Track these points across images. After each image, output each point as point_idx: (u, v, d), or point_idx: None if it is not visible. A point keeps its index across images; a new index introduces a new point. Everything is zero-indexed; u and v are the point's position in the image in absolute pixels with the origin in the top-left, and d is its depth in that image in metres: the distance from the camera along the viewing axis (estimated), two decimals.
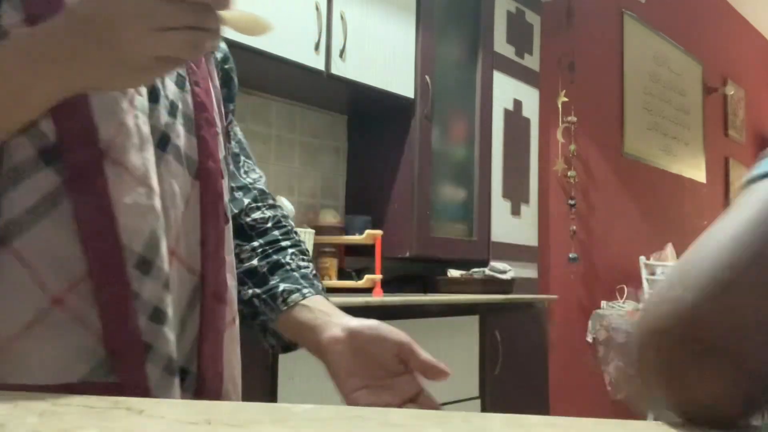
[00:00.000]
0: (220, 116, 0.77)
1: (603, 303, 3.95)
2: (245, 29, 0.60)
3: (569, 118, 3.79)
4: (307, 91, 2.60)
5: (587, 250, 3.99)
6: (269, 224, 0.88)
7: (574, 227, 3.85)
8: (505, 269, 2.85)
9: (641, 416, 3.50)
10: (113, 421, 0.42)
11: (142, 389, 0.62)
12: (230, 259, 0.76)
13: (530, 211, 3.36)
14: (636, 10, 4.55)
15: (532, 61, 3.40)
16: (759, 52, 6.53)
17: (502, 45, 3.18)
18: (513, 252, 3.20)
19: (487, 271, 2.81)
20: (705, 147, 5.43)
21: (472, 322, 2.52)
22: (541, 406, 2.92)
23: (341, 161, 2.89)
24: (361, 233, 2.55)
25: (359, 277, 2.53)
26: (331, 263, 2.58)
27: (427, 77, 2.69)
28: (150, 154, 0.65)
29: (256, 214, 0.88)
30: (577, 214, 3.88)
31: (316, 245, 2.45)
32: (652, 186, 4.70)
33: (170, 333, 0.65)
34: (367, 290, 2.47)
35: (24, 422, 0.40)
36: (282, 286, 0.81)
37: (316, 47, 2.29)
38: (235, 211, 0.86)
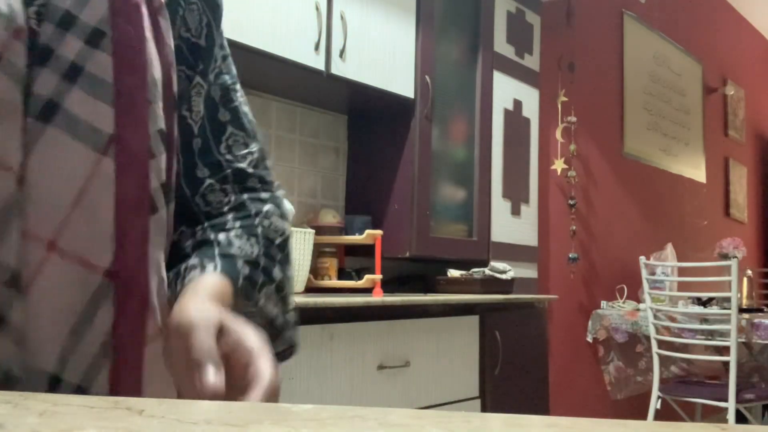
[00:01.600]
0: (168, 81, 0.65)
1: (603, 303, 3.95)
2: None
3: (569, 118, 3.79)
4: (307, 91, 2.60)
5: (587, 250, 4.00)
6: (226, 208, 0.71)
7: (574, 227, 3.85)
8: (505, 269, 2.85)
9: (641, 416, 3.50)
10: (113, 421, 0.42)
11: None
12: (156, 256, 0.63)
13: (530, 211, 3.37)
14: (636, 10, 4.55)
15: (532, 61, 3.40)
16: (759, 52, 6.53)
17: (502, 45, 3.18)
18: (513, 252, 3.20)
19: (487, 271, 2.81)
20: (705, 147, 5.43)
21: (472, 322, 2.52)
22: (541, 406, 2.92)
23: (341, 161, 2.89)
24: (361, 233, 2.55)
25: (359, 277, 2.53)
26: (331, 263, 2.58)
27: (427, 77, 2.69)
28: (9, 124, 0.54)
29: (213, 197, 0.72)
30: (577, 214, 3.88)
31: (316, 245, 2.45)
32: (652, 186, 4.70)
33: (6, 341, 0.54)
34: (367, 290, 2.47)
35: (24, 422, 0.40)
36: (190, 262, 0.67)
37: (316, 47, 2.29)
38: (188, 193, 0.71)
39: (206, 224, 0.71)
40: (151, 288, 0.61)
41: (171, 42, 0.67)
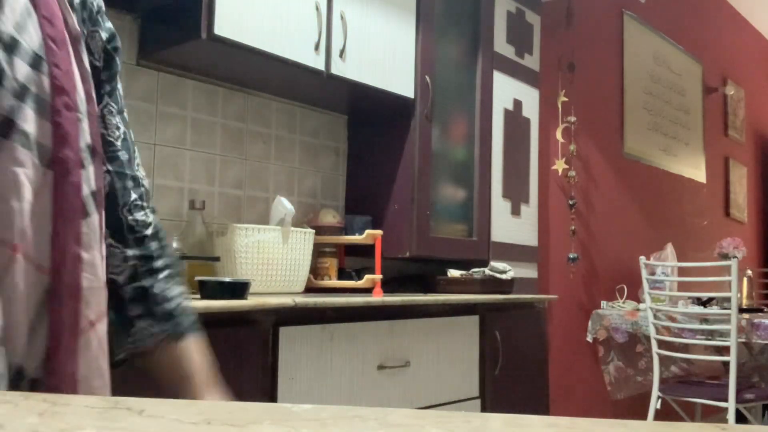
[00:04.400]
0: (90, 101, 0.73)
1: (603, 303, 3.95)
2: None
3: (569, 118, 3.79)
4: (307, 91, 2.60)
5: (587, 250, 3.99)
6: (149, 231, 0.84)
7: (574, 227, 3.85)
8: (505, 269, 2.85)
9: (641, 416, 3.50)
10: (113, 421, 0.42)
11: None
12: (89, 256, 0.70)
13: (530, 211, 3.36)
14: (636, 10, 4.55)
15: (532, 61, 3.40)
16: (759, 52, 6.53)
17: (502, 45, 3.18)
18: (513, 252, 3.20)
19: (487, 271, 2.81)
20: (705, 147, 5.43)
21: (472, 322, 2.52)
22: (541, 406, 2.92)
23: (341, 161, 2.89)
24: (361, 233, 2.55)
25: (359, 277, 2.53)
26: (331, 263, 2.58)
27: (427, 77, 2.69)
28: None
29: (139, 215, 0.84)
30: (577, 214, 3.88)
31: (316, 245, 2.45)
32: (652, 186, 4.70)
33: None
34: (367, 290, 2.47)
35: (24, 422, 0.40)
36: (138, 324, 0.80)
37: (316, 47, 2.29)
38: (119, 202, 0.82)
39: (136, 252, 0.82)
40: (82, 286, 0.68)
41: (87, 65, 0.76)
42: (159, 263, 0.84)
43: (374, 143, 2.80)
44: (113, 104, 0.83)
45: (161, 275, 0.83)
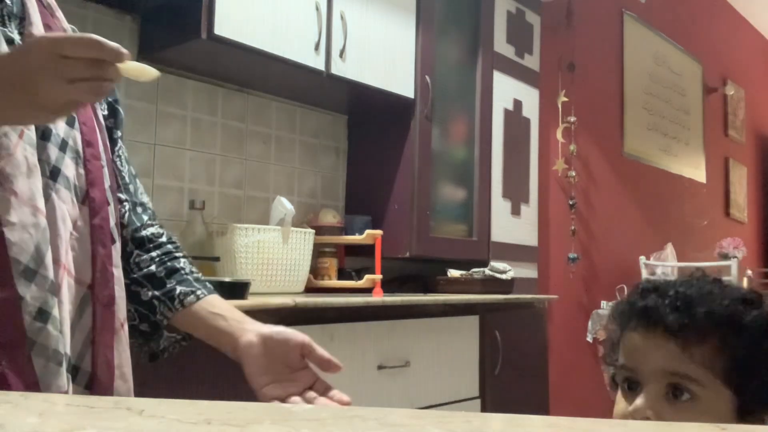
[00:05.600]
0: (106, 149, 0.91)
1: (603, 303, 3.95)
2: (136, 75, 0.73)
3: (569, 118, 3.79)
4: (307, 91, 2.60)
5: (587, 250, 3.99)
6: (164, 238, 1.02)
7: (574, 227, 3.85)
8: (505, 269, 2.85)
9: None
10: (113, 421, 0.42)
11: (28, 376, 0.73)
12: (118, 273, 0.88)
13: (530, 211, 3.36)
14: (636, 10, 4.55)
15: (532, 61, 3.40)
16: (759, 52, 6.53)
17: (502, 45, 3.18)
18: (513, 252, 3.20)
19: (487, 271, 2.81)
20: (705, 147, 5.43)
21: (472, 322, 2.52)
22: (541, 406, 2.92)
23: (341, 161, 2.89)
24: (361, 233, 2.55)
25: (359, 277, 2.53)
26: (331, 263, 2.58)
27: (427, 77, 2.69)
28: (37, 180, 0.77)
29: (153, 230, 1.02)
30: (577, 214, 3.88)
31: (316, 245, 2.45)
32: (652, 186, 4.70)
33: (55, 330, 0.76)
34: (367, 290, 2.47)
35: (24, 422, 0.40)
36: (179, 289, 0.95)
37: (316, 47, 2.29)
38: (137, 224, 1.00)
39: (159, 252, 1.00)
40: (116, 296, 0.87)
41: (102, 119, 0.94)
42: (179, 253, 1.02)
43: (374, 143, 2.80)
44: (121, 149, 1.01)
45: (183, 259, 1.01)
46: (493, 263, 2.87)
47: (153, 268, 0.97)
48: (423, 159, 2.69)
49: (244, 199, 2.53)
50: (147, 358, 0.99)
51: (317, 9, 2.30)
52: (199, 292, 0.95)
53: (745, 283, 3.87)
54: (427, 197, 2.71)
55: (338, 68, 2.36)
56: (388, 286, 2.65)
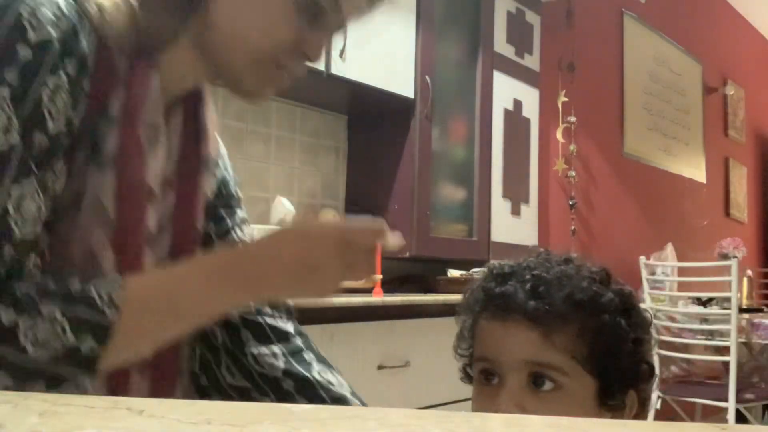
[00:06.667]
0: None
1: None
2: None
3: (569, 118, 3.79)
4: (307, 91, 2.60)
5: (587, 250, 3.99)
6: (291, 329, 1.01)
7: (574, 227, 3.85)
8: None
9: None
10: (113, 421, 0.42)
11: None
12: None
13: (530, 211, 3.36)
14: (636, 10, 4.55)
15: (532, 61, 3.40)
16: (759, 52, 6.53)
17: (502, 45, 3.17)
18: (513, 252, 3.19)
19: None
20: (705, 147, 5.43)
21: None
22: None
23: (341, 161, 2.89)
24: None
25: None
26: None
27: (427, 77, 2.69)
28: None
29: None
30: (577, 214, 3.88)
31: None
32: (652, 186, 4.70)
33: None
34: (367, 290, 2.47)
35: (24, 422, 0.40)
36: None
37: None
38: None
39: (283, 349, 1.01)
40: None
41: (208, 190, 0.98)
42: (307, 356, 1.02)
43: (374, 143, 2.80)
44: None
45: (316, 367, 1.03)
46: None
47: (279, 370, 0.95)
48: (423, 159, 2.69)
49: (244, 199, 2.53)
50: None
51: None
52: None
53: (745, 283, 3.86)
54: (427, 197, 2.71)
55: (338, 68, 2.36)
56: (388, 286, 2.65)
